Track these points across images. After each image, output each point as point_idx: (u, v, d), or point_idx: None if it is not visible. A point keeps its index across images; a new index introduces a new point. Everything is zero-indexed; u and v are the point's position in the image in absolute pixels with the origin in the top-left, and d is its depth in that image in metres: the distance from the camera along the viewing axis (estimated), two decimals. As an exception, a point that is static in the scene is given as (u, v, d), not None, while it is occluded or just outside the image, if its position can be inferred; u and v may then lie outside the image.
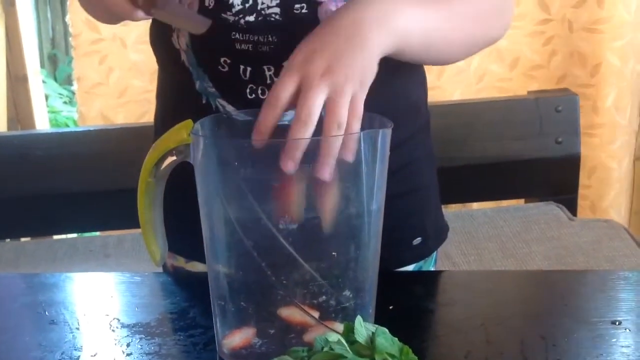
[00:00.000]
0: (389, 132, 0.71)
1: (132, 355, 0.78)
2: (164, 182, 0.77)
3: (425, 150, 0.97)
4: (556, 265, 1.50)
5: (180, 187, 0.76)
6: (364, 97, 0.71)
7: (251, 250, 0.70)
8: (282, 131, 0.78)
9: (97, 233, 2.06)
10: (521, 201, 1.89)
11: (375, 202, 0.73)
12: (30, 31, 2.19)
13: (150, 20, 0.90)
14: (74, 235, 2.05)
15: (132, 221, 0.81)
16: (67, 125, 3.57)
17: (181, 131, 0.72)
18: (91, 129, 1.82)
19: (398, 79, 0.89)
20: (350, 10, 0.73)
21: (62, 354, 0.79)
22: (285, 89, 0.69)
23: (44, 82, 2.43)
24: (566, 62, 1.96)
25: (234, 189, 0.71)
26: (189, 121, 0.72)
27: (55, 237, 1.95)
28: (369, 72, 0.71)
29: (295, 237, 0.70)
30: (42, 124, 2.17)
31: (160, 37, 0.91)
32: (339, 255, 0.73)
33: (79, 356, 0.78)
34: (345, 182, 0.71)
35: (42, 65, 3.83)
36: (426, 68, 0.97)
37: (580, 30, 1.93)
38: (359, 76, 0.70)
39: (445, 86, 1.93)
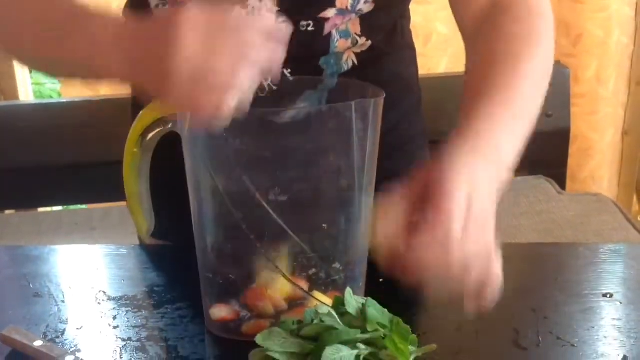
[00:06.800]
0: (381, 101, 0.70)
1: (118, 329, 0.77)
2: (150, 153, 0.76)
3: (420, 127, 0.96)
4: (545, 239, 1.50)
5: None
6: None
7: (240, 223, 0.69)
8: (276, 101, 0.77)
9: (83, 206, 2.04)
10: (510, 175, 1.89)
11: (367, 173, 0.71)
12: (13, 1, 2.14)
13: None
14: (59, 208, 2.03)
15: (118, 194, 0.80)
16: (52, 98, 3.53)
17: (168, 100, 0.70)
18: (76, 100, 1.79)
19: (390, 60, 0.88)
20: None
21: (46, 327, 0.77)
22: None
23: (27, 53, 2.39)
24: (555, 31, 1.97)
25: (222, 160, 0.70)
26: (176, 90, 0.70)
27: (40, 209, 1.93)
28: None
29: (284, 209, 0.69)
30: (26, 95, 2.14)
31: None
32: (329, 228, 0.72)
33: (64, 329, 0.77)
34: (337, 153, 0.70)
35: (26, 37, 3.76)
36: (413, 34, 0.95)
37: (566, 0, 1.94)
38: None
39: (431, 54, 1.92)
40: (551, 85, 1.77)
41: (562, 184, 1.76)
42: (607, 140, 2.03)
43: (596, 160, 2.03)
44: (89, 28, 0.66)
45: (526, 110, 0.74)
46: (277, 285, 0.72)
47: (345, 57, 0.81)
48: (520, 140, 0.71)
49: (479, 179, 0.64)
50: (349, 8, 0.78)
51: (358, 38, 0.81)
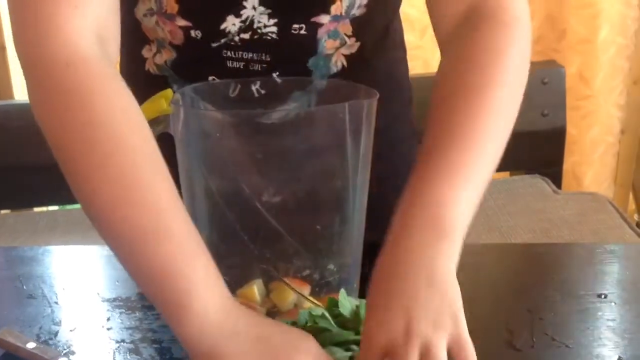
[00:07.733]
0: (374, 102, 0.70)
1: (112, 330, 0.77)
2: (143, 153, 0.75)
3: (410, 128, 0.96)
4: (541, 239, 1.50)
5: None
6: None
7: (233, 224, 0.69)
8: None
9: (79, 205, 2.03)
10: (506, 174, 1.89)
11: (361, 175, 0.71)
12: None
13: None
14: (55, 207, 2.02)
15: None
16: (48, 96, 3.52)
17: (160, 101, 0.70)
18: (71, 99, 1.78)
19: (379, 61, 0.87)
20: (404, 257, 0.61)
21: (40, 328, 0.77)
22: None
23: (23, 52, 2.38)
24: (542, 25, 1.97)
25: (215, 161, 0.69)
26: (169, 90, 0.70)
27: (36, 209, 1.93)
28: (455, 306, 0.59)
29: (278, 210, 0.69)
30: (21, 94, 2.13)
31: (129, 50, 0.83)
32: (323, 229, 0.71)
33: (58, 331, 0.77)
34: (330, 154, 0.70)
35: (22, 35, 3.75)
36: (409, 27, 0.94)
37: None
38: (445, 320, 0.58)
39: (427, 45, 1.91)
40: (547, 84, 1.77)
41: (557, 183, 1.76)
42: (591, 137, 2.03)
43: (575, 156, 2.03)
44: (190, 300, 0.57)
45: (490, 151, 0.70)
46: (272, 287, 0.72)
47: (334, 59, 0.80)
48: (479, 192, 0.68)
49: (435, 277, 0.59)
50: (343, 14, 0.77)
51: (347, 39, 0.80)
